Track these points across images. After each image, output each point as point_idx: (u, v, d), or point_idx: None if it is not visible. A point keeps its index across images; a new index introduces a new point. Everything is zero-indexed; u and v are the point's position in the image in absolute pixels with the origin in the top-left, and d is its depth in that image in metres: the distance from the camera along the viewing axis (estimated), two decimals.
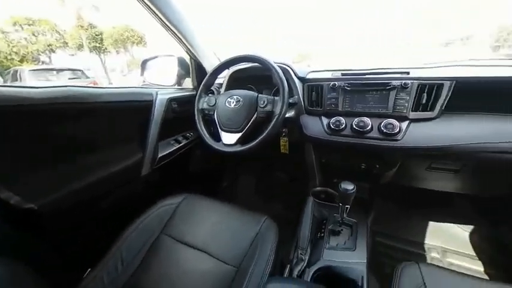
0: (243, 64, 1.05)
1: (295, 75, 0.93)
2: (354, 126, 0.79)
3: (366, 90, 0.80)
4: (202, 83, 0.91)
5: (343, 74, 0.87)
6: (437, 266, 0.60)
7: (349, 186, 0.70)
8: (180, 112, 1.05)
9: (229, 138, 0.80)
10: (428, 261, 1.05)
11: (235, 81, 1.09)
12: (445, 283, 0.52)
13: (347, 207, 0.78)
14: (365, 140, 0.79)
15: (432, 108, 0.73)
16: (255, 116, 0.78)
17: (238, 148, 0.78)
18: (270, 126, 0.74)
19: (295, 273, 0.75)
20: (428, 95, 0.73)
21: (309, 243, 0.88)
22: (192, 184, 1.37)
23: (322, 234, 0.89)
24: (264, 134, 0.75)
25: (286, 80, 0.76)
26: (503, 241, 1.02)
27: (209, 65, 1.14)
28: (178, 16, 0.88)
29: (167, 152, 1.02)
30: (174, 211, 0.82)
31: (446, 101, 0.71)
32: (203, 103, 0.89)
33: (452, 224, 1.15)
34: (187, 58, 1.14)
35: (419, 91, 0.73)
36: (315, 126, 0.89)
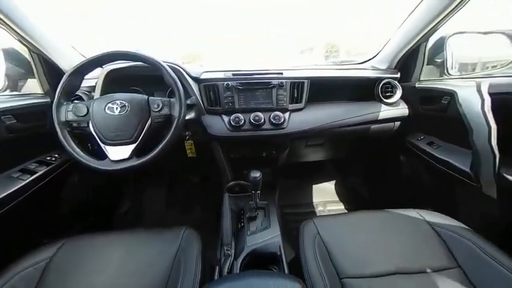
0: (122, 62, 0.88)
1: (189, 75, 0.90)
2: (252, 121, 0.89)
3: (255, 89, 0.93)
4: (61, 86, 0.67)
5: (234, 74, 0.95)
6: (324, 216, 0.83)
7: (256, 174, 0.80)
8: (25, 129, 0.73)
9: (119, 152, 0.66)
10: (318, 214, 1.40)
11: (114, 83, 0.90)
12: (329, 226, 0.72)
13: (258, 193, 0.88)
14: (261, 131, 0.92)
15: (300, 100, 0.96)
16: (150, 121, 0.69)
17: (135, 162, 0.66)
18: (171, 131, 0.68)
19: (225, 270, 0.76)
20: (297, 90, 0.95)
21: (233, 236, 0.91)
22: (75, 223, 1.01)
23: (242, 224, 0.94)
24: (166, 140, 0.67)
25: (180, 81, 0.72)
26: (351, 186, 1.55)
27: (67, 63, 0.86)
28: None
29: (11, 190, 0.68)
30: (44, 270, 0.57)
31: (307, 95, 0.96)
32: (66, 113, 0.66)
33: (325, 183, 1.60)
34: (24, 51, 0.80)
35: (292, 88, 0.94)
36: (218, 124, 0.92)
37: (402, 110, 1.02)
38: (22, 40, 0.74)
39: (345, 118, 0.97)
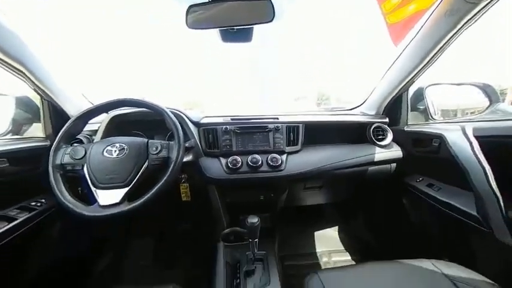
0: (126, 108, 0.93)
1: (190, 120, 0.94)
2: (249, 163, 0.89)
3: (252, 132, 0.96)
4: (64, 130, 0.69)
5: (232, 119, 1.00)
6: (330, 269, 0.74)
7: (254, 219, 0.76)
8: (15, 173, 0.72)
9: (110, 196, 0.63)
10: (323, 266, 1.26)
11: (116, 127, 0.93)
12: (337, 281, 0.63)
13: (256, 241, 0.81)
14: (259, 173, 0.91)
15: (297, 143, 0.99)
16: (147, 164, 0.68)
17: (127, 206, 0.62)
18: (168, 173, 0.67)
19: None
20: (293, 134, 0.98)
21: None
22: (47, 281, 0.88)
23: (239, 280, 0.83)
24: (161, 182, 0.66)
25: (180, 124, 0.75)
26: (355, 234, 1.45)
27: (74, 109, 0.91)
28: (20, 45, 0.68)
29: None
30: None
31: (303, 137, 1.00)
32: (63, 156, 0.66)
33: (328, 229, 1.49)
34: (36, 98, 0.85)
35: (288, 131, 0.98)
36: (215, 167, 0.91)
37: (396, 152, 1.05)
38: (37, 89, 0.80)
39: (342, 160, 0.98)
